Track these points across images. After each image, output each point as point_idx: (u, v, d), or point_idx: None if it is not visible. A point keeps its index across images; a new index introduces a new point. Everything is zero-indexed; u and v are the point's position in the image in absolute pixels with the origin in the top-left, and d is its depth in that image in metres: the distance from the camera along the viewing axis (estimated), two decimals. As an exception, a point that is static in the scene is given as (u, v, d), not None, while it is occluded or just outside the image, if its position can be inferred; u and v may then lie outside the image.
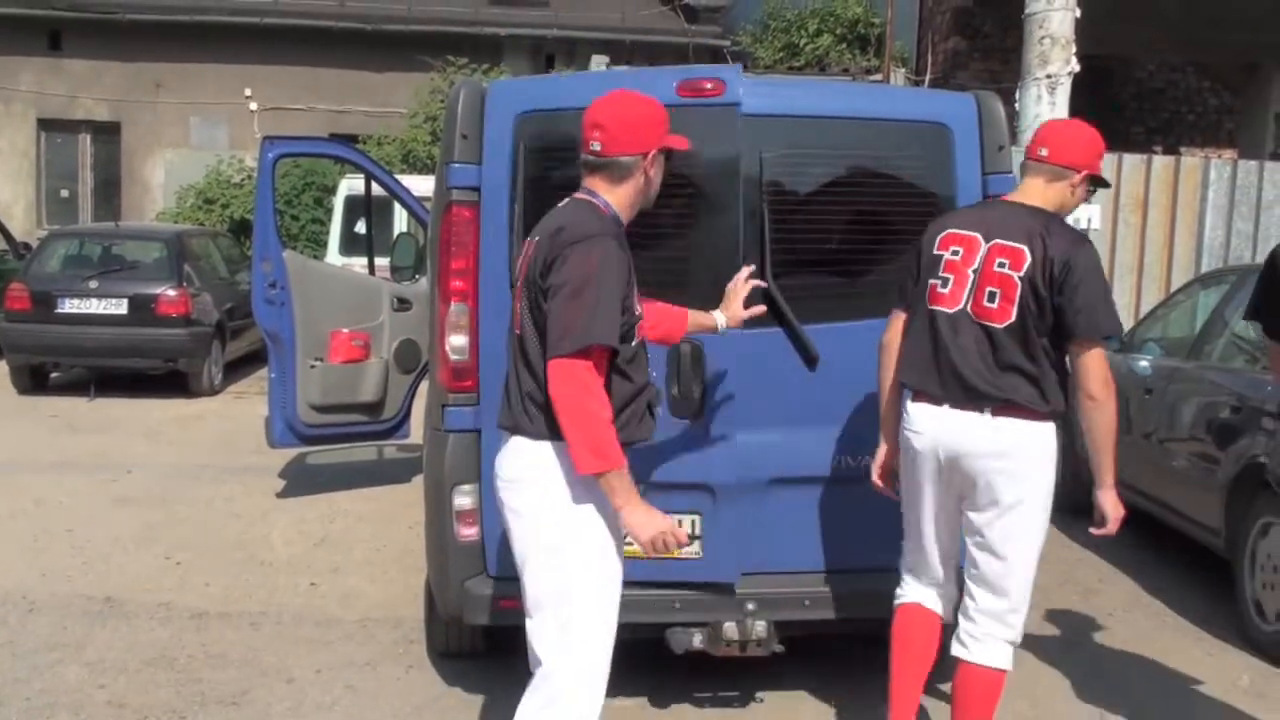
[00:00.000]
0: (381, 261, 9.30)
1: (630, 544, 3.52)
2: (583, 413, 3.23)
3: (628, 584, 4.52)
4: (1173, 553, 7.00)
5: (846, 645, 5.33)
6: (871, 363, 4.61)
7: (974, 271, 3.95)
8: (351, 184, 15.36)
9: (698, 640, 4.56)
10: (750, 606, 4.50)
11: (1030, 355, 3.85)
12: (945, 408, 3.96)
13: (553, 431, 3.33)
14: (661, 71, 4.67)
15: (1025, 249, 3.87)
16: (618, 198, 3.51)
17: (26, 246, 15.50)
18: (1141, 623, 6.01)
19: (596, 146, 3.45)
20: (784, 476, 4.63)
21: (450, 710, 4.75)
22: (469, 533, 4.54)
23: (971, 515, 3.99)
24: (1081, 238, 3.97)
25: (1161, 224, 10.17)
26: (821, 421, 4.66)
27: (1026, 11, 10.78)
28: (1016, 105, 10.68)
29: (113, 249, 13.33)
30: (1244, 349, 6.53)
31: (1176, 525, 6.69)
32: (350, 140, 16.68)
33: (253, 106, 19.77)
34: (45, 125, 20.15)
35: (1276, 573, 5.56)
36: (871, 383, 4.65)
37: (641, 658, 4.90)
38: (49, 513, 7.68)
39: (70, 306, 12.20)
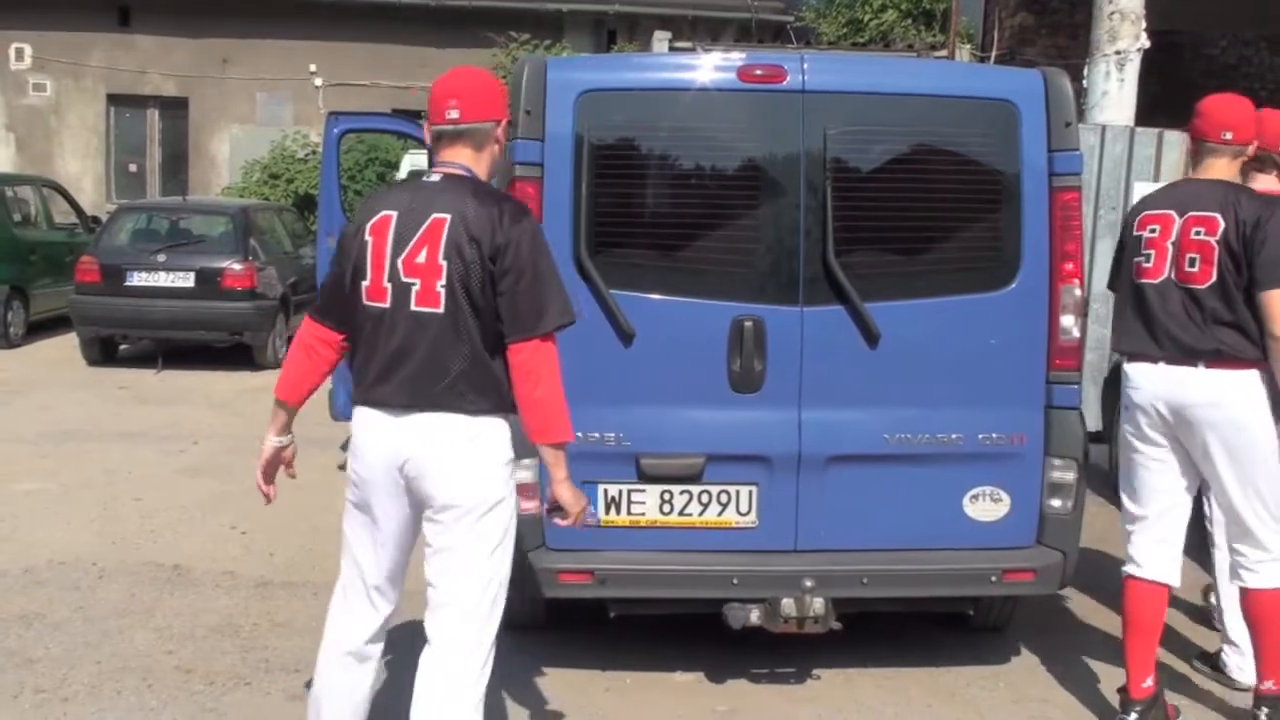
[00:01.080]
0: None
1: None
2: (559, 387, 3.51)
3: (685, 555, 4.60)
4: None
5: (903, 623, 5.32)
6: (931, 341, 4.63)
7: (1172, 244, 4.36)
8: (414, 159, 15.46)
9: (755, 616, 4.59)
10: (808, 583, 4.51)
11: (1231, 309, 4.24)
12: (1161, 365, 4.36)
13: (491, 408, 3.49)
14: (724, 56, 4.66)
15: (1218, 216, 4.27)
16: (483, 168, 3.61)
17: (96, 220, 15.75)
18: (1200, 604, 5.93)
19: (454, 115, 3.54)
20: (843, 454, 4.64)
21: (511, 681, 4.78)
22: (529, 506, 4.55)
23: (1207, 467, 4.37)
24: (1273, 201, 4.28)
25: (1231, 203, 9.99)
26: (881, 400, 4.66)
27: (1095, -14, 10.61)
28: (1084, 82, 10.52)
29: (180, 223, 13.50)
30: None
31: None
32: (413, 116, 16.75)
33: (317, 82, 19.91)
34: (114, 100, 20.40)
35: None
36: (931, 361, 4.66)
37: (698, 633, 4.97)
38: (118, 482, 7.83)
39: (138, 280, 12.38)
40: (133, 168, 20.69)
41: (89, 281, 12.42)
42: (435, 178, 3.56)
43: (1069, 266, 4.68)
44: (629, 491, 4.61)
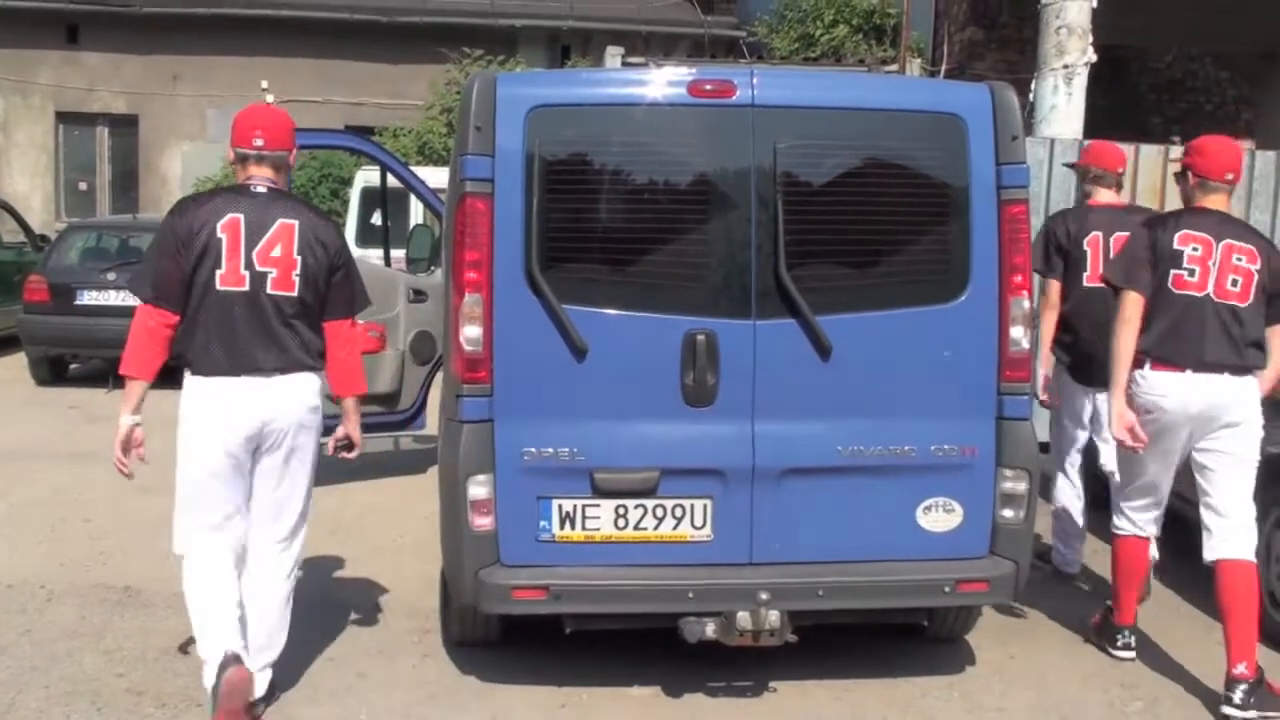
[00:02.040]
0: (398, 253, 9.33)
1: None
2: (359, 354, 4.80)
3: (640, 570, 4.60)
4: (1185, 543, 6.95)
5: (859, 635, 5.33)
6: (883, 354, 4.66)
7: (1214, 264, 4.88)
8: (367, 176, 15.41)
9: (711, 630, 4.58)
10: (763, 596, 4.52)
11: (1259, 329, 4.94)
12: (1189, 373, 4.90)
13: (322, 368, 4.61)
14: (674, 71, 4.68)
15: (1255, 249, 4.94)
16: (281, 183, 4.60)
17: (44, 239, 15.57)
18: (1155, 613, 5.98)
19: (260, 142, 4.51)
20: (796, 466, 4.65)
21: (465, 698, 4.78)
22: (483, 522, 4.56)
23: (1209, 459, 5.00)
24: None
25: (1178, 214, 10.11)
26: (834, 412, 4.68)
27: (1043, 2, 10.72)
28: (1032, 96, 10.63)
29: (131, 241, 13.37)
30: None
31: (1190, 515, 6.64)
32: (366, 132, 16.71)
33: (269, 99, 19.73)
34: (63, 118, 20.21)
35: (1291, 564, 5.57)
36: (883, 373, 4.69)
37: (654, 647, 4.95)
38: (67, 503, 7.73)
39: (88, 298, 12.25)
40: (82, 186, 20.50)
41: (38, 301, 12.28)
42: (261, 189, 4.50)
43: (1018, 279, 4.73)
44: (583, 506, 4.60)
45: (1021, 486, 4.75)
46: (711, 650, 4.70)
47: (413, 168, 9.73)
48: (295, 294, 4.43)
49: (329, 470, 8.63)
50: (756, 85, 4.61)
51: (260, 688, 4.50)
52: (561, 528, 4.60)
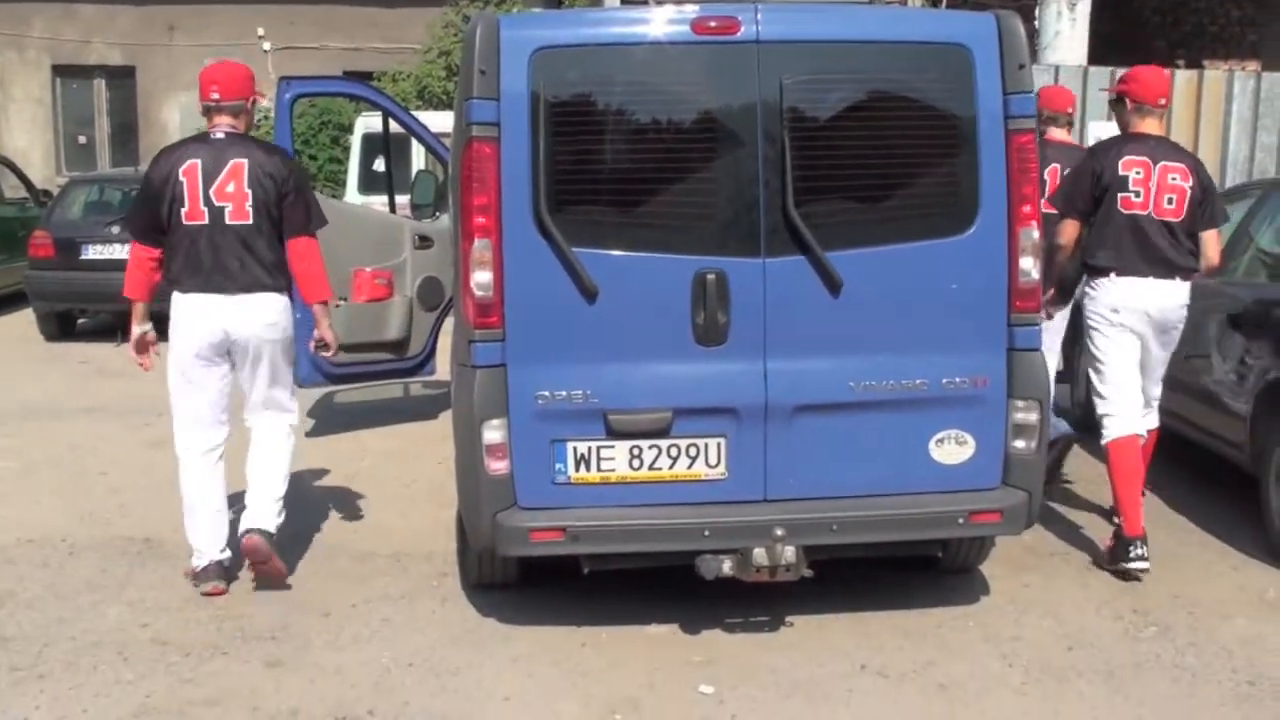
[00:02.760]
0: (401, 199, 9.31)
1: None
2: (321, 264, 5.39)
3: (656, 509, 4.64)
4: (1195, 469, 7.01)
5: (874, 568, 5.38)
6: (892, 288, 4.67)
7: (1153, 185, 5.51)
8: (368, 122, 15.27)
9: (727, 567, 4.62)
10: (779, 532, 4.55)
11: (1194, 239, 5.59)
12: (1150, 279, 5.54)
13: (285, 286, 5.32)
14: (678, 10, 4.64)
15: (1187, 167, 5.58)
16: (242, 127, 5.30)
17: (47, 194, 15.54)
18: (1165, 538, 6.03)
19: (216, 96, 5.24)
20: (809, 403, 4.67)
21: (485, 641, 4.83)
22: (499, 466, 4.59)
23: (1157, 353, 5.71)
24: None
25: (1185, 139, 10.03)
26: (845, 348, 4.69)
27: (1045, -73, 10.62)
28: (1036, 23, 10.55)
29: (133, 194, 13.28)
30: (1268, 263, 6.50)
31: (1200, 441, 6.69)
32: (365, 77, 16.59)
33: (266, 46, 19.67)
34: (59, 71, 20.12)
35: (1303, 487, 5.61)
36: (893, 308, 4.70)
37: (671, 585, 5.01)
38: (83, 457, 7.78)
39: (94, 252, 12.25)
40: (82, 139, 20.44)
41: (43, 256, 12.29)
42: (220, 135, 5.23)
43: (1026, 209, 4.71)
44: (598, 448, 4.63)
45: (1033, 417, 4.77)
46: (727, 587, 4.75)
47: (413, 112, 9.67)
48: (250, 222, 5.15)
49: (342, 417, 8.71)
50: (760, 21, 4.58)
51: (265, 520, 5.36)
52: (577, 469, 4.63)
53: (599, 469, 4.64)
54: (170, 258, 5.21)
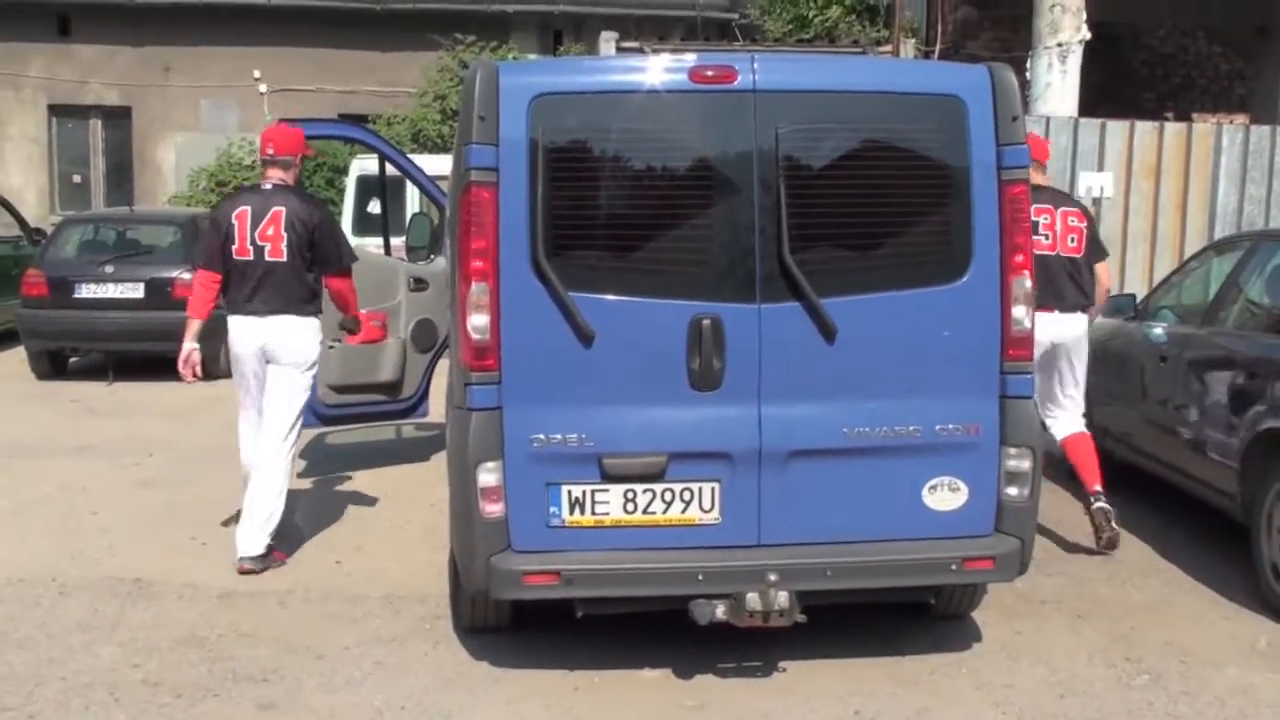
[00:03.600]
0: (397, 241, 9.35)
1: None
2: (353, 293, 6.71)
3: (650, 554, 4.65)
4: (1187, 518, 7.04)
5: (866, 614, 5.38)
6: (887, 335, 4.70)
7: (1058, 228, 6.55)
8: (363, 164, 15.38)
9: (721, 611, 4.62)
10: (772, 577, 4.56)
11: (1090, 275, 6.69)
12: (1056, 313, 6.46)
13: (313, 312, 6.42)
14: (676, 59, 4.70)
15: (1080, 211, 6.74)
16: (291, 179, 6.47)
17: (40, 232, 15.56)
18: (1158, 587, 6.06)
19: (271, 151, 6.44)
20: (803, 449, 4.69)
21: (478, 683, 4.82)
22: (494, 509, 4.60)
23: (1066, 372, 6.75)
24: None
25: (1174, 191, 10.16)
26: (839, 394, 4.72)
27: (1036, -20, 10.76)
28: (1028, 74, 10.67)
29: (128, 233, 13.41)
30: (1258, 314, 6.55)
31: (1191, 490, 6.72)
32: (360, 120, 16.71)
33: (262, 88, 19.81)
34: (56, 111, 20.22)
35: (1293, 536, 5.62)
36: (887, 355, 4.73)
37: (664, 628, 5.00)
38: (73, 497, 7.76)
39: (87, 291, 12.27)
40: (77, 178, 20.51)
41: (36, 295, 12.31)
42: (268, 186, 6.41)
43: (1019, 258, 4.76)
44: (593, 492, 4.64)
45: (1025, 464, 4.80)
46: (720, 632, 4.75)
47: (408, 155, 9.73)
48: (285, 259, 6.24)
49: (335, 459, 8.70)
50: (757, 70, 4.64)
51: (252, 546, 6.21)
52: (571, 513, 4.64)
53: (593, 512, 4.65)
54: (224, 284, 6.34)
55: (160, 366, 12.50)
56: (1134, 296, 8.00)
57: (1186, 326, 7.08)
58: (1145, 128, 10.24)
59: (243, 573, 6.08)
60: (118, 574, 6.13)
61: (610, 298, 4.61)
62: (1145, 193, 10.18)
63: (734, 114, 4.64)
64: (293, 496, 7.53)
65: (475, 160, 4.55)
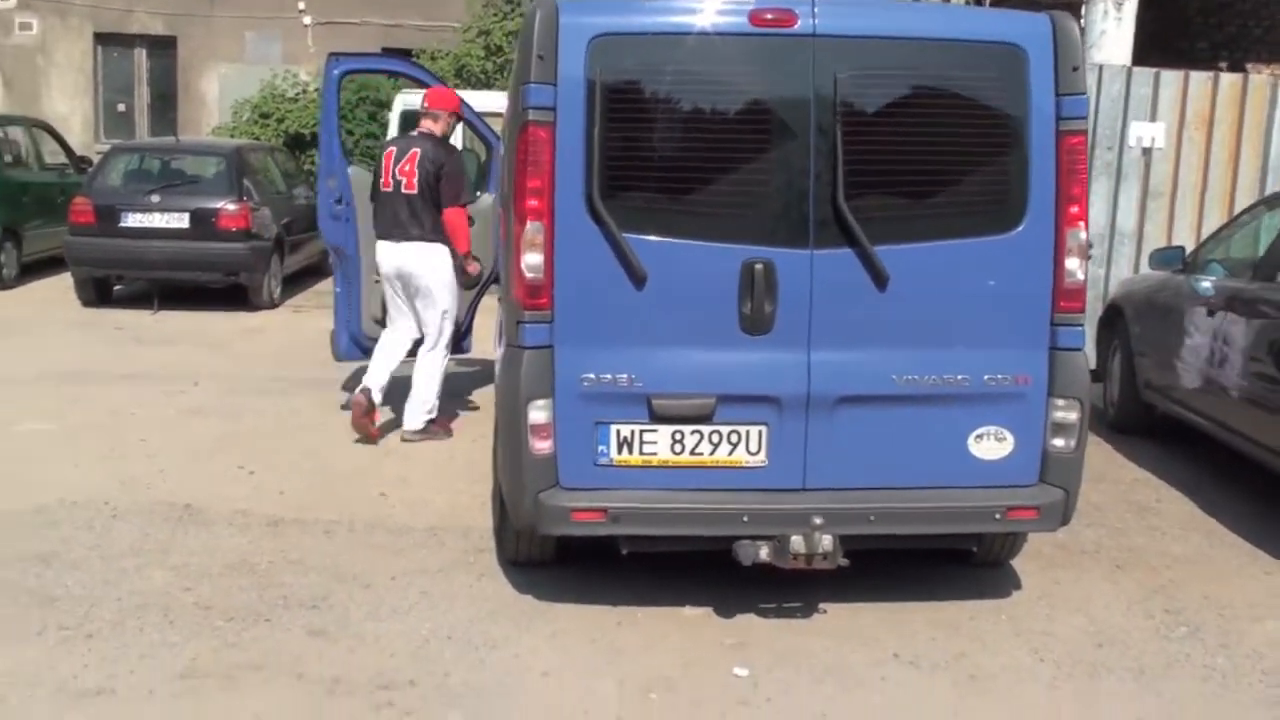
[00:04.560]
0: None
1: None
2: (465, 228, 7.38)
3: (696, 494, 4.69)
4: (1229, 473, 7.04)
5: (907, 559, 5.43)
6: (939, 284, 4.70)
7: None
8: (407, 99, 15.27)
9: (764, 553, 4.68)
10: (817, 521, 4.60)
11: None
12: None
13: (442, 239, 7.31)
14: (738, 1, 4.67)
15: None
16: (439, 130, 7.47)
17: (85, 160, 15.66)
18: (1198, 541, 6.08)
19: (425, 105, 7.54)
20: (851, 394, 4.71)
21: (524, 616, 4.90)
22: (543, 446, 4.65)
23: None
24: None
25: (1227, 143, 10.01)
26: (889, 342, 4.73)
27: (1093, -75, 10.59)
28: (1082, 22, 10.52)
29: (173, 164, 13.45)
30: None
31: (1235, 445, 6.70)
32: (404, 55, 16.65)
33: (306, 20, 19.77)
34: (101, 39, 20.25)
35: (1337, 494, 5.61)
36: (939, 303, 4.74)
37: (706, 568, 5.07)
38: (122, 423, 7.87)
39: (133, 220, 12.34)
40: (121, 107, 20.57)
41: (83, 223, 12.40)
42: (414, 134, 7.59)
43: (1074, 210, 4.74)
44: (641, 431, 4.68)
45: (1073, 416, 4.81)
46: (761, 573, 4.80)
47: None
48: (415, 192, 7.25)
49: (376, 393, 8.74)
50: (817, 14, 4.61)
51: (412, 422, 7.56)
52: (619, 452, 4.69)
53: (641, 452, 4.70)
54: (373, 213, 7.47)
55: (204, 295, 12.70)
56: (1183, 249, 7.94)
57: (1237, 280, 7.03)
58: (1200, 77, 10.08)
59: (405, 440, 7.48)
60: (168, 499, 6.24)
61: (664, 239, 4.63)
62: (1197, 144, 10.03)
63: (792, 58, 4.62)
64: (340, 428, 7.66)
65: (533, 99, 4.55)
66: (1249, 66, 15.61)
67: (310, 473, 6.81)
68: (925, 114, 4.77)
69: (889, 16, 4.88)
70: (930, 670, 4.56)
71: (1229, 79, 10.19)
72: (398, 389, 7.66)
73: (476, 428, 7.79)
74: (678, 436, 4.70)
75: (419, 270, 7.33)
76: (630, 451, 4.70)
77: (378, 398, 7.54)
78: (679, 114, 4.72)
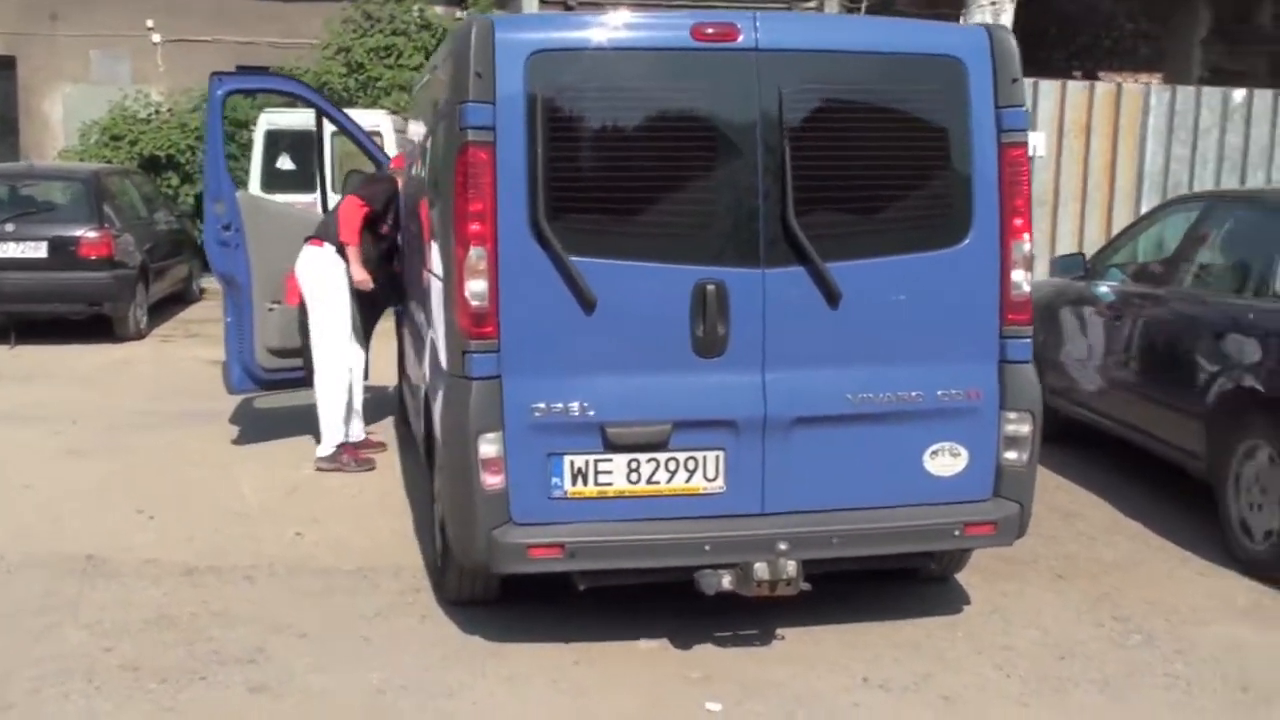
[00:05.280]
0: (301, 199, 9.08)
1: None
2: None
3: (654, 524, 4.54)
4: (1138, 474, 7.15)
5: (853, 578, 5.34)
6: (889, 300, 4.64)
7: None
8: (271, 119, 14.92)
9: (727, 581, 4.55)
10: (782, 546, 4.50)
11: None
12: None
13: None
14: (676, 15, 4.56)
15: None
16: None
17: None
18: (1125, 545, 6.14)
19: None
20: (807, 415, 4.62)
21: (475, 659, 4.67)
22: (494, 481, 4.45)
23: None
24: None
25: (1104, 150, 10.29)
26: (843, 360, 4.65)
27: (967, -63, 10.77)
28: (960, 32, 10.68)
29: (26, 190, 12.80)
30: (1220, 275, 6.64)
31: (1150, 448, 6.81)
32: (261, 74, 16.11)
33: (155, 38, 19.03)
34: (-68, 60, 19.22)
35: (1263, 494, 5.68)
36: (890, 319, 4.68)
37: (655, 598, 4.93)
38: (0, 468, 7.38)
39: (-15, 251, 11.69)
40: (-44, 132, 19.54)
41: (-70, 255, 11.68)
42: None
43: (1018, 222, 4.74)
44: (595, 461, 4.52)
45: (1025, 429, 4.79)
46: (712, 600, 4.64)
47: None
48: None
49: (270, 424, 8.40)
50: (759, 29, 4.52)
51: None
52: (574, 484, 4.51)
53: (596, 483, 4.53)
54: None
55: (63, 328, 12.07)
56: (1083, 255, 8.07)
57: (1143, 285, 7.15)
58: (1076, 87, 10.35)
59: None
60: (67, 550, 5.83)
61: (612, 261, 4.47)
62: (1076, 152, 10.29)
63: (736, 73, 4.51)
64: (236, 465, 7.32)
65: (472, 119, 4.36)
66: (1101, 75, 16.11)
67: (214, 515, 6.45)
68: (870, 128, 4.71)
69: (830, 30, 4.85)
70: (901, 693, 4.47)
71: (1104, 88, 10.48)
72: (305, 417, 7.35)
73: (382, 458, 7.52)
74: (634, 465, 4.54)
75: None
76: (585, 483, 4.52)
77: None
78: (623, 132, 4.58)
